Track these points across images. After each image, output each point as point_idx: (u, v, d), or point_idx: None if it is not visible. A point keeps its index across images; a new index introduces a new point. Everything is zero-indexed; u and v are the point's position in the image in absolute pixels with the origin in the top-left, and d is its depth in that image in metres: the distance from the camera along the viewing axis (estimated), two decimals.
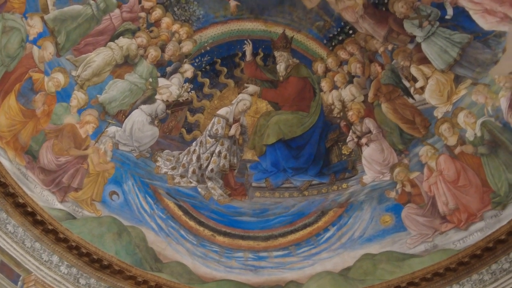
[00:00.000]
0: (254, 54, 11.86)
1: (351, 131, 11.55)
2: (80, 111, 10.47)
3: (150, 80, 11.25)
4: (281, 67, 11.80)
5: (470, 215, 10.04)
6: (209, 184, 11.50)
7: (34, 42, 9.61)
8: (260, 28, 11.68)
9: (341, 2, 10.94)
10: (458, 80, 10.21)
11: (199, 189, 11.45)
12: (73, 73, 10.36)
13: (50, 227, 9.24)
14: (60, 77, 10.09)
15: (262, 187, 11.77)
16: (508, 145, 9.66)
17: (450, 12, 9.94)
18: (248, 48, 11.76)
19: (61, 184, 9.92)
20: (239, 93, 11.97)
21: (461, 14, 9.80)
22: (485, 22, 9.60)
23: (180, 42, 11.42)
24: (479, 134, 10.00)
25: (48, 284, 9.09)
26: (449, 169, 10.36)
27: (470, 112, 10.09)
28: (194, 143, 11.68)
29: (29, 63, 9.57)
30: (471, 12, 9.68)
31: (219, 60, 11.87)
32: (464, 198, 10.14)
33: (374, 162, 11.26)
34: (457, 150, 10.31)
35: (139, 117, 11.14)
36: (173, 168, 11.38)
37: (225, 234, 11.31)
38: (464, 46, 9.94)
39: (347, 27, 11.27)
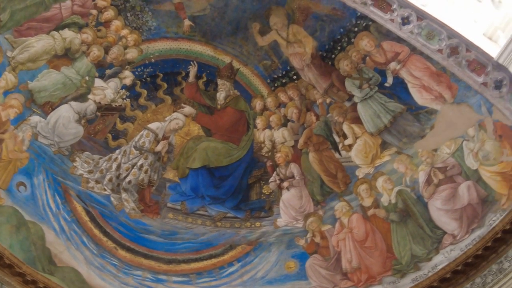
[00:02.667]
0: (198, 77, 11.81)
1: (275, 172, 11.66)
2: (6, 93, 9.99)
3: (87, 78, 10.94)
4: (221, 96, 11.82)
5: (370, 277, 10.32)
6: (124, 195, 11.22)
7: None
8: (209, 53, 11.70)
9: (291, 47, 11.19)
10: (384, 146, 10.60)
11: (112, 199, 11.12)
12: (8, 54, 9.94)
13: None
14: None
15: (176, 209, 11.59)
16: (418, 218, 10.06)
17: (390, 80, 10.35)
18: (193, 70, 11.71)
19: None
20: (174, 112, 11.83)
21: (400, 84, 10.23)
22: (420, 97, 10.07)
23: (126, 48, 11.22)
24: (393, 201, 10.38)
25: None
26: (359, 228, 10.64)
27: (389, 178, 10.47)
28: (117, 151, 11.39)
29: None
30: (409, 85, 10.13)
31: (161, 75, 11.73)
32: (368, 260, 10.41)
33: (291, 207, 11.39)
34: (370, 212, 10.63)
35: (66, 113, 10.76)
36: (90, 172, 11.03)
37: (128, 249, 10.98)
38: (396, 115, 10.37)
39: (292, 72, 11.48)
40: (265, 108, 11.90)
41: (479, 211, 9.38)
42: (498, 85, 8.98)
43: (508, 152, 9.03)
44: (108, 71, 11.23)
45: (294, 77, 11.51)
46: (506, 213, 8.88)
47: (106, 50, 11.08)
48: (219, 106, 11.88)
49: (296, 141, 11.63)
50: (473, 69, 9.20)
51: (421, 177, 10.07)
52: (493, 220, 9.09)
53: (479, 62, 9.14)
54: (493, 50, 9.30)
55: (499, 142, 9.13)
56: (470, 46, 9.21)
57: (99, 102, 11.16)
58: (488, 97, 9.08)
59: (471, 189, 9.46)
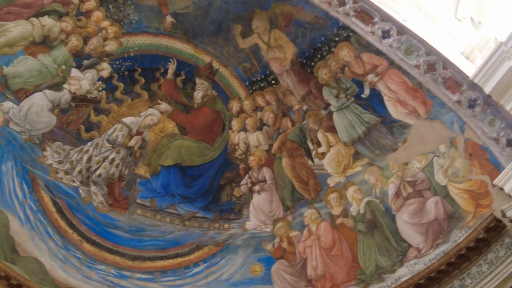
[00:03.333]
0: (176, 74, 11.75)
1: (247, 175, 11.67)
2: None
3: (63, 67, 10.81)
4: (198, 95, 11.78)
5: (334, 285, 10.37)
6: (93, 188, 11.09)
7: None
8: (189, 51, 11.65)
9: (272, 52, 11.21)
10: (357, 156, 10.68)
11: (81, 191, 10.98)
12: None
13: None
14: None
15: (145, 205, 11.50)
16: (385, 229, 10.16)
17: (367, 92, 10.44)
18: (172, 67, 11.65)
19: None
20: (150, 107, 11.75)
21: (376, 97, 10.33)
22: (395, 111, 10.17)
23: (105, 39, 11.10)
24: (362, 211, 10.46)
25: None
26: (326, 236, 10.70)
27: (360, 189, 10.55)
28: (89, 143, 11.25)
29: None
30: (385, 98, 10.23)
31: (139, 69, 11.62)
32: (333, 268, 10.47)
33: (260, 211, 11.41)
34: (338, 221, 10.69)
35: (40, 101, 10.60)
36: (60, 162, 10.88)
37: (93, 242, 10.84)
38: (370, 126, 10.47)
39: (271, 77, 11.51)
40: (241, 111, 11.89)
41: (445, 226, 9.50)
42: (472, 104, 9.12)
43: (477, 170, 9.17)
44: (85, 62, 11.10)
45: (273, 81, 11.54)
46: (471, 231, 9.02)
47: (85, 41, 10.96)
48: (195, 105, 11.84)
49: (270, 146, 11.65)
50: (448, 87, 9.33)
51: (391, 189, 10.18)
52: (458, 237, 9.23)
53: (455, 80, 9.27)
54: (469, 69, 9.45)
55: (469, 160, 9.27)
56: (447, 64, 9.34)
57: (74, 93, 11.03)
58: (461, 115, 9.22)
59: (439, 205, 9.59)
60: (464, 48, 10.34)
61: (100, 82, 11.31)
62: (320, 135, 11.01)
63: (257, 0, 10.75)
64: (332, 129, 10.87)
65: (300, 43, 10.88)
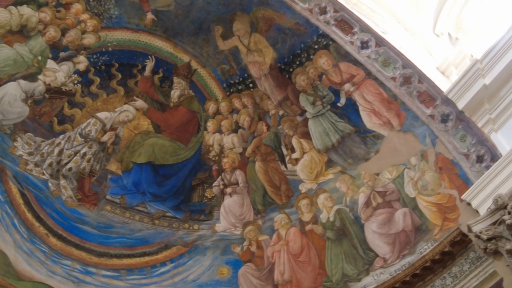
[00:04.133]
0: (154, 71, 11.67)
1: (220, 177, 11.66)
2: None
3: (39, 58, 10.63)
4: (175, 94, 11.73)
5: None
6: (62, 182, 10.93)
7: None
8: (168, 49, 11.59)
9: (251, 55, 11.22)
10: (329, 164, 10.76)
11: (50, 184, 10.81)
12: None
13: None
14: None
15: (115, 202, 11.37)
16: (353, 238, 10.24)
17: (343, 101, 10.52)
18: (150, 64, 11.57)
19: None
20: (125, 103, 11.63)
21: (352, 106, 10.41)
22: (369, 121, 10.26)
23: (83, 32, 10.96)
24: (332, 219, 10.53)
25: None
26: (295, 242, 10.74)
27: (331, 196, 10.63)
28: (61, 136, 11.08)
29: None
30: (360, 108, 10.31)
31: (117, 65, 11.49)
32: (300, 274, 10.51)
33: (231, 213, 11.40)
34: (308, 227, 10.75)
35: (13, 91, 10.40)
36: (30, 154, 10.70)
37: (60, 237, 10.66)
38: (344, 135, 10.55)
39: (249, 80, 11.52)
40: (217, 112, 11.87)
41: (412, 238, 9.61)
42: (444, 119, 9.25)
43: (446, 184, 9.30)
44: (62, 54, 10.94)
45: (251, 85, 11.55)
46: (437, 244, 9.13)
47: (63, 32, 10.80)
48: (172, 104, 11.78)
49: (245, 149, 11.66)
50: (422, 100, 9.45)
51: (361, 198, 10.27)
52: (424, 249, 9.34)
53: (429, 94, 9.39)
54: (444, 84, 9.60)
55: (439, 174, 9.40)
56: (422, 78, 9.46)
57: (49, 84, 10.85)
58: (433, 129, 9.34)
59: (407, 216, 9.69)
60: (440, 63, 10.51)
61: (76, 75, 11.15)
62: (294, 141, 11.06)
63: (239, 3, 10.76)
64: (306, 135, 10.93)
65: (280, 49, 10.92)
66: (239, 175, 11.56)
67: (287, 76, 10.98)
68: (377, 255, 9.89)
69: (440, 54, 10.79)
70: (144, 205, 11.50)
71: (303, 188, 10.97)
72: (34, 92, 10.71)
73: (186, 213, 11.58)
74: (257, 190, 11.39)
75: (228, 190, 11.49)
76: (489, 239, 8.08)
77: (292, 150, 11.11)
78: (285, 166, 11.25)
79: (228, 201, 11.48)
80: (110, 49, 11.37)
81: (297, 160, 11.05)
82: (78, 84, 11.24)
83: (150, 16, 11.18)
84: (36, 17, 10.47)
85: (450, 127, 9.20)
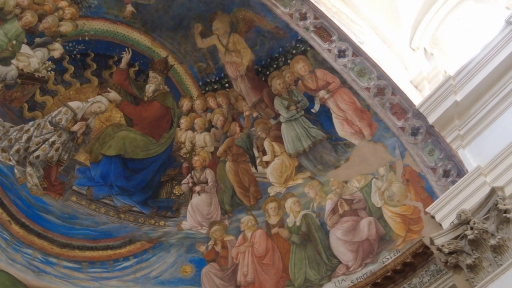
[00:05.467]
0: (130, 64, 11.55)
1: (190, 175, 11.61)
2: None
3: (14, 42, 10.46)
4: (150, 88, 11.64)
5: None
6: (29, 169, 10.75)
7: None
8: (146, 43, 11.49)
9: (229, 55, 11.21)
10: (299, 169, 10.80)
11: (16, 170, 10.62)
12: None
13: None
14: None
15: (81, 193, 11.24)
16: (318, 243, 10.31)
17: (317, 107, 10.58)
18: (126, 57, 11.45)
19: None
20: (98, 94, 11.51)
21: (325, 113, 10.48)
22: (341, 129, 10.33)
23: (61, 19, 10.80)
24: (298, 223, 10.59)
25: None
26: (260, 244, 10.77)
27: (299, 201, 10.69)
28: (31, 123, 10.91)
29: None
30: (333, 115, 10.38)
31: (92, 55, 11.33)
32: (263, 276, 10.54)
33: (198, 212, 11.37)
34: (274, 230, 10.79)
35: None
36: None
37: (22, 225, 10.48)
38: (316, 141, 10.61)
39: (225, 80, 11.49)
40: (192, 110, 11.82)
41: (375, 247, 9.71)
42: (414, 132, 9.37)
43: (412, 196, 9.43)
44: (37, 40, 10.76)
45: (227, 85, 11.53)
46: (399, 254, 9.25)
47: (40, 18, 10.64)
48: (146, 98, 11.69)
49: (216, 148, 11.63)
50: (394, 112, 9.56)
51: (328, 205, 10.35)
52: (386, 259, 9.45)
53: (402, 107, 9.51)
54: (416, 98, 9.73)
55: (405, 185, 9.53)
56: (396, 90, 9.57)
57: (22, 69, 10.69)
58: (403, 141, 9.47)
59: (372, 225, 9.80)
60: (414, 77, 10.66)
61: (50, 62, 10.98)
62: (266, 144, 11.09)
63: (221, 2, 10.74)
64: (279, 139, 10.97)
65: (258, 51, 10.94)
66: (209, 174, 11.54)
67: (263, 78, 11.00)
68: (340, 262, 9.98)
69: (414, 68, 10.95)
70: (111, 198, 11.39)
71: (271, 191, 11.00)
72: (6, 76, 10.54)
73: (153, 208, 11.51)
74: (226, 190, 11.39)
75: (197, 188, 11.46)
76: (450, 253, 8.21)
77: (264, 152, 11.13)
78: (256, 168, 11.27)
79: (196, 199, 11.45)
80: (86, 38, 11.23)
81: (267, 163, 11.07)
82: (52, 72, 11.08)
83: (129, 8, 11.08)
84: (14, 1, 10.32)
85: (419, 140, 9.33)
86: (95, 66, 11.45)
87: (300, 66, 10.52)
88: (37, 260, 10.45)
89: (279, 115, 10.94)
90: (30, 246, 10.49)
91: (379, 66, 9.69)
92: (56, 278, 10.44)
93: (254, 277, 10.57)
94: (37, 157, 10.86)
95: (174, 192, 11.74)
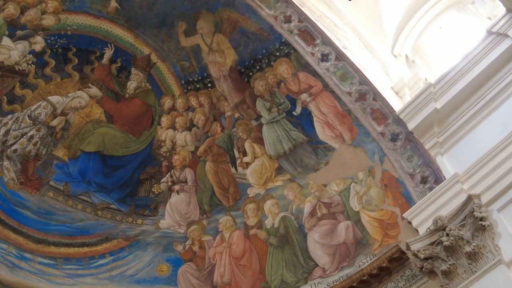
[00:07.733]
0: (112, 60, 11.45)
1: (169, 174, 11.57)
2: None
3: None
4: (131, 85, 11.56)
5: None
6: (5, 163, 10.61)
7: None
8: (129, 40, 11.40)
9: (212, 55, 11.18)
10: (279, 171, 10.84)
11: None
12: None
13: None
14: None
15: (58, 189, 11.12)
16: (296, 246, 10.36)
17: (298, 110, 10.62)
18: (109, 53, 11.35)
19: None
20: (79, 90, 11.39)
21: (306, 116, 10.53)
22: (322, 133, 10.39)
23: (43, 13, 10.65)
24: (276, 225, 10.62)
25: None
26: (238, 245, 10.78)
27: (277, 203, 10.72)
28: (9, 116, 10.75)
29: None
30: (314, 119, 10.44)
31: (74, 49, 11.19)
32: (239, 277, 10.54)
33: (176, 211, 11.34)
34: (252, 232, 10.81)
35: None
36: None
37: None
38: (297, 144, 10.65)
39: (208, 80, 11.47)
40: (173, 108, 11.77)
41: (352, 251, 9.78)
42: (394, 138, 9.47)
43: (390, 201, 9.52)
44: (19, 32, 10.59)
45: (209, 84, 11.51)
46: (375, 258, 9.33)
47: (23, 11, 10.47)
48: (127, 95, 11.62)
49: (197, 148, 11.60)
50: (375, 118, 9.64)
51: (307, 208, 10.40)
52: (363, 263, 9.52)
53: (382, 112, 9.60)
54: (397, 104, 9.84)
55: (384, 190, 9.61)
56: (377, 96, 9.65)
57: (2, 62, 10.52)
58: (382, 146, 9.55)
59: (349, 229, 9.87)
60: (395, 83, 10.79)
61: (31, 55, 10.83)
62: (247, 145, 11.10)
63: (206, 1, 10.72)
64: (259, 140, 10.99)
65: (242, 52, 10.94)
66: (188, 173, 11.50)
67: (246, 79, 11.01)
68: (317, 265, 10.03)
69: (396, 74, 11.08)
70: (89, 194, 11.29)
71: (251, 192, 11.02)
72: None
73: (131, 206, 11.44)
74: (205, 190, 11.37)
75: (176, 187, 11.42)
76: (426, 259, 8.30)
77: (244, 153, 11.14)
78: (236, 169, 11.27)
79: (175, 198, 11.41)
80: (69, 32, 11.09)
81: (248, 164, 11.08)
82: (32, 65, 10.93)
83: (113, 4, 10.97)
84: None
85: (398, 146, 9.42)
86: (76, 61, 11.32)
87: (283, 69, 10.55)
88: (11, 255, 10.31)
89: (261, 116, 10.97)
90: (5, 241, 10.35)
91: (361, 72, 9.76)
92: (31, 274, 10.32)
93: (230, 278, 10.57)
94: (15, 151, 10.72)
95: (153, 190, 11.68)
